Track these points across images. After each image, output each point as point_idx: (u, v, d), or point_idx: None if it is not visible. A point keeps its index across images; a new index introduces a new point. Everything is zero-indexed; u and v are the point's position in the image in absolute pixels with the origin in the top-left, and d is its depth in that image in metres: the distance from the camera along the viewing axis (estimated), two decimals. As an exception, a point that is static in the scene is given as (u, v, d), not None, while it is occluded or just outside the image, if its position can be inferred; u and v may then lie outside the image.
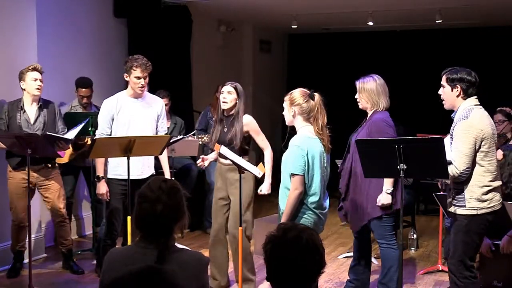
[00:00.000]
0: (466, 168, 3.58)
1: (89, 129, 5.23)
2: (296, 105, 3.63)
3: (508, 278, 4.34)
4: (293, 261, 1.97)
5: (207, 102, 6.80)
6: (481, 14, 7.79)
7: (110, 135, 4.62)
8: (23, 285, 4.75)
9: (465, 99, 3.72)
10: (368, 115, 4.29)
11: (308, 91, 3.68)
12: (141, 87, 4.59)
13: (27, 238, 4.64)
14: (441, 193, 4.78)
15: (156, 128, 4.74)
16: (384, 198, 4.13)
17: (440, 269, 5.27)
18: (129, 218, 4.10)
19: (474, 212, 3.65)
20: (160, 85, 6.10)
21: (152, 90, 5.18)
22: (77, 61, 6.23)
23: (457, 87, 3.71)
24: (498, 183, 3.71)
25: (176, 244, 2.29)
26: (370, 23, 7.78)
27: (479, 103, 3.74)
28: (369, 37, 9.41)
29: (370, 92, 4.20)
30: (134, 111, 4.63)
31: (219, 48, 8.69)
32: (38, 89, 4.84)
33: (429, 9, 7.20)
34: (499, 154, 4.56)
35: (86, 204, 6.45)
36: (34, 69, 4.84)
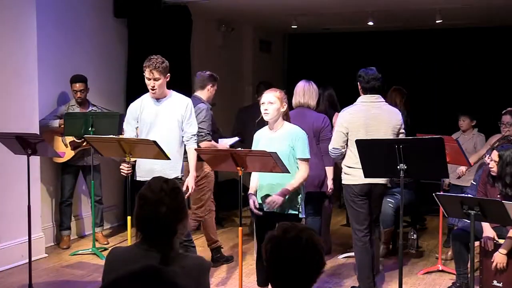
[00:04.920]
0: (333, 148, 4.37)
1: (89, 129, 5.22)
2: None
3: (508, 278, 4.33)
4: (292, 261, 1.98)
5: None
6: (481, 14, 7.78)
7: (137, 136, 4.48)
8: (23, 285, 4.75)
9: (364, 94, 4.36)
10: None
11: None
12: (151, 89, 4.35)
13: (27, 237, 4.63)
14: (441, 193, 4.77)
15: (182, 130, 4.46)
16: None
17: (440, 269, 5.26)
18: (129, 218, 4.10)
19: (344, 182, 4.40)
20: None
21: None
22: (77, 61, 6.22)
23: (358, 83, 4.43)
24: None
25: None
26: (370, 23, 7.77)
27: (367, 100, 4.30)
28: (369, 37, 9.40)
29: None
30: (155, 113, 4.41)
31: (219, 48, 8.68)
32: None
33: (429, 9, 7.19)
34: (495, 155, 4.41)
35: (86, 204, 6.44)
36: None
